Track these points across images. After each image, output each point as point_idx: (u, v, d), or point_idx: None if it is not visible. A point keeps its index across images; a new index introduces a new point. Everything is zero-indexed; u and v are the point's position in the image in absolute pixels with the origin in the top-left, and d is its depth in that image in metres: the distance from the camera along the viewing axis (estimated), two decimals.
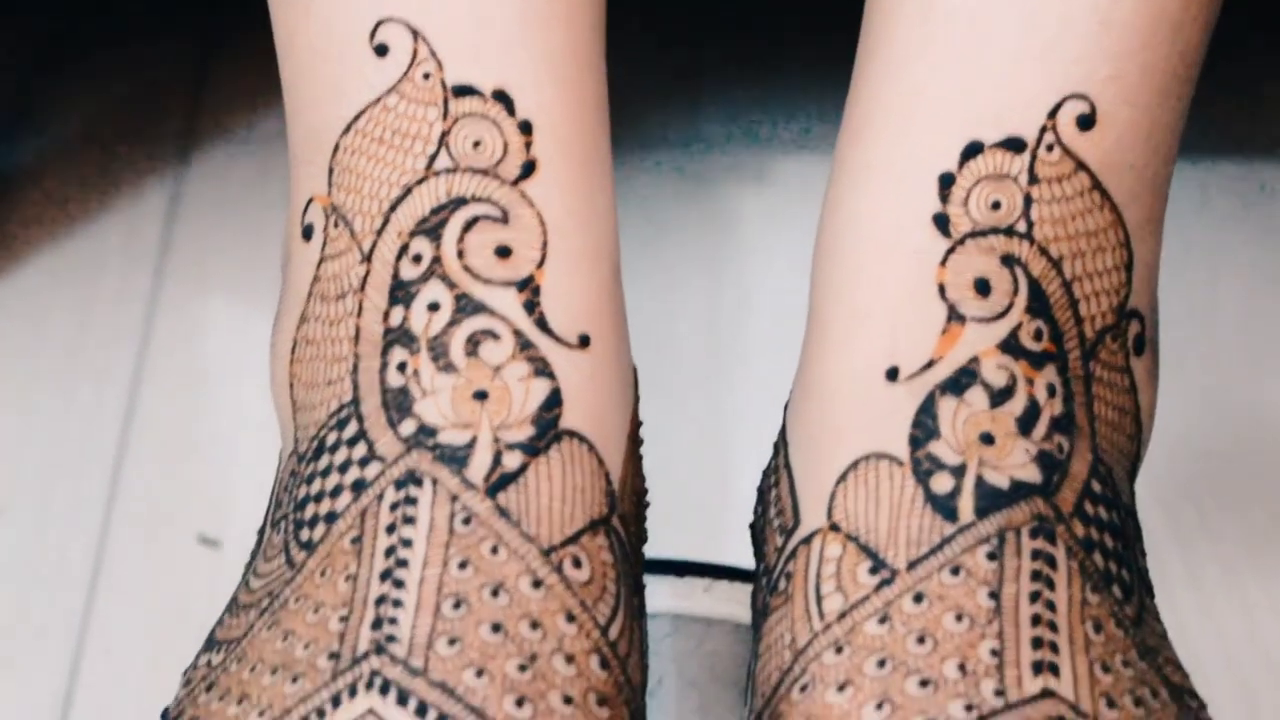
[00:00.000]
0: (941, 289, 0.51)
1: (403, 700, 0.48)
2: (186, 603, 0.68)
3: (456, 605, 0.49)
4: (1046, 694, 0.49)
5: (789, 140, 0.98)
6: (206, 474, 0.86)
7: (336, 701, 0.48)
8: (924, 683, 0.49)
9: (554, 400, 0.52)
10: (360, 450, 0.52)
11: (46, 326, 0.91)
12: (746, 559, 0.57)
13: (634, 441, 0.54)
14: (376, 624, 0.49)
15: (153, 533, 0.84)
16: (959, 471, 0.50)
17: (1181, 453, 0.84)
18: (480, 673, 0.49)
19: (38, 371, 0.90)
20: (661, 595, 0.58)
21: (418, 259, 0.52)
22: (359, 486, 0.51)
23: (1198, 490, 0.82)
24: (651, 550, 0.57)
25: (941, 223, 0.51)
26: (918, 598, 0.50)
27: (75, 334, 0.91)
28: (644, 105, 0.99)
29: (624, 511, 0.53)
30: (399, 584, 0.50)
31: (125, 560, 0.83)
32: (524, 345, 0.51)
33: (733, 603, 0.58)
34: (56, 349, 0.90)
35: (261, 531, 0.55)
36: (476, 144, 0.52)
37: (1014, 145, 0.51)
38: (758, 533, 0.55)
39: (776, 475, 0.54)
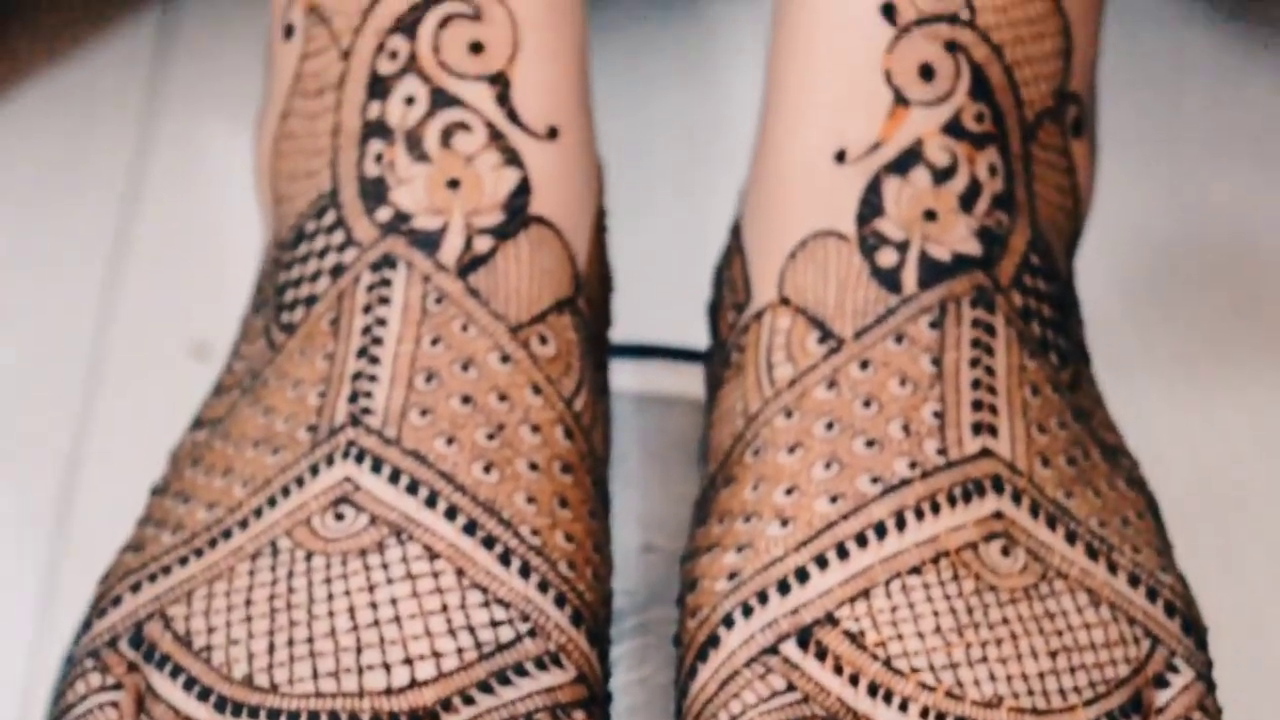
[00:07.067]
0: (888, 74, 0.53)
1: (377, 468, 0.51)
2: (181, 409, 0.70)
3: (428, 379, 0.52)
4: (985, 453, 0.51)
5: None
6: (200, 287, 0.88)
7: (315, 470, 0.51)
8: (870, 443, 0.51)
9: (523, 188, 0.54)
10: (338, 237, 0.54)
11: (43, 146, 0.93)
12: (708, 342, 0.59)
13: (599, 229, 0.57)
14: (353, 397, 0.52)
15: (147, 345, 0.86)
16: (903, 246, 0.53)
17: (1142, 243, 0.86)
18: (450, 441, 0.51)
19: (34, 189, 0.91)
20: (627, 377, 0.61)
21: (394, 55, 0.54)
22: (337, 271, 0.54)
23: (1158, 280, 0.84)
24: (620, 335, 0.60)
25: (888, 11, 0.53)
26: (864, 364, 0.52)
27: (70, 153, 0.92)
28: None
29: (589, 294, 0.55)
30: (374, 360, 0.52)
31: (121, 371, 0.85)
32: (495, 136, 0.54)
33: (694, 383, 0.61)
34: (52, 169, 0.92)
35: (244, 320, 0.57)
36: None
37: None
38: (714, 312, 0.58)
39: (730, 256, 0.57)
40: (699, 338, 0.60)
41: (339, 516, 0.50)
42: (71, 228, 0.90)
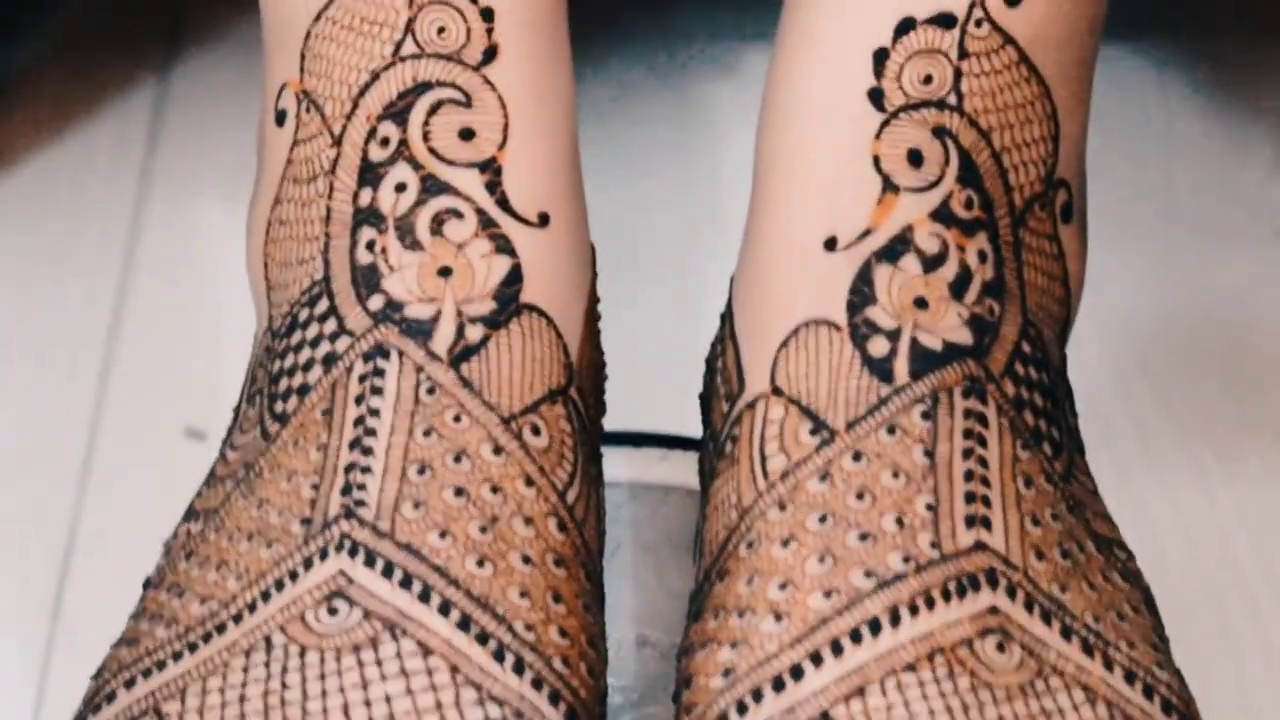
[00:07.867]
0: (876, 161, 0.53)
1: (370, 561, 0.51)
2: (175, 494, 0.70)
3: (421, 471, 0.52)
4: (979, 546, 0.51)
5: (760, 33, 1.00)
6: (194, 370, 0.88)
7: (309, 564, 0.51)
8: (863, 536, 0.51)
9: (514, 276, 0.54)
10: (331, 325, 0.54)
11: (37, 227, 0.93)
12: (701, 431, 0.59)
13: (592, 317, 0.57)
14: (346, 490, 0.52)
15: (141, 428, 0.86)
16: (894, 335, 0.53)
17: (1135, 327, 0.86)
18: (443, 534, 0.51)
19: (28, 271, 0.91)
20: (620, 465, 0.61)
21: (385, 142, 0.54)
22: (330, 360, 0.54)
23: (1152, 364, 0.84)
24: (613, 423, 0.59)
25: (876, 97, 0.54)
26: (856, 456, 0.52)
27: (64, 235, 0.93)
28: None
29: (582, 383, 0.55)
30: (367, 451, 0.52)
31: (115, 455, 0.85)
32: (486, 223, 0.54)
33: (687, 471, 0.61)
34: (46, 250, 0.92)
35: (237, 408, 0.57)
36: (441, 30, 0.54)
37: (945, 21, 0.53)
38: (706, 402, 0.58)
39: (723, 345, 0.57)
40: (692, 425, 0.60)
41: (333, 611, 0.50)
42: (65, 310, 0.90)
